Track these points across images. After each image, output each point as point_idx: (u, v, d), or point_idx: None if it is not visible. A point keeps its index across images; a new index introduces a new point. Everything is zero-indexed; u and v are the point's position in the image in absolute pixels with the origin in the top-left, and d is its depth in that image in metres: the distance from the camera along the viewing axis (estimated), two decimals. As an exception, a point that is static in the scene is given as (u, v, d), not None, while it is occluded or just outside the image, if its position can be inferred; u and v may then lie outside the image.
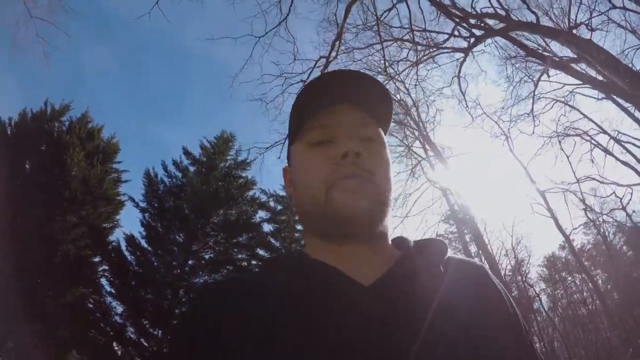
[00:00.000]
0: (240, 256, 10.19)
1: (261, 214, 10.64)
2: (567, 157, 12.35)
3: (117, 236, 12.91)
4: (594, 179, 12.61)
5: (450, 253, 0.56)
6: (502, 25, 7.44)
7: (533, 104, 9.75)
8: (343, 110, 0.57)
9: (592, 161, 12.11)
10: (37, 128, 10.89)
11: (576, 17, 7.52)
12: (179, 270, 9.66)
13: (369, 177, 0.53)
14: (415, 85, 9.65)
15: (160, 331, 9.09)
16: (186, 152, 10.50)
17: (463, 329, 0.46)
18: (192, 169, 10.37)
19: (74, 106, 11.27)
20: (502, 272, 18.12)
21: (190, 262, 9.81)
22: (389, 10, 7.91)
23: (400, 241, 0.59)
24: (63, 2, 7.58)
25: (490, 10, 7.48)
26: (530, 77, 9.78)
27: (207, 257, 10.03)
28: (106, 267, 10.00)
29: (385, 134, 0.62)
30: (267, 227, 10.62)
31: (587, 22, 7.26)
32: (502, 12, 7.42)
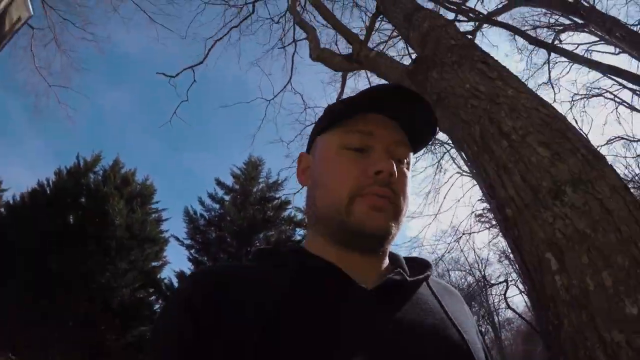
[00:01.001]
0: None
1: (300, 231, 10.78)
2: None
3: (167, 273, 13.33)
4: (623, 138, 12.22)
5: (433, 273, 0.60)
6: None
7: (550, 71, 9.55)
8: (389, 125, 0.57)
9: (618, 120, 11.68)
10: (74, 183, 11.38)
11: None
12: (230, 298, 9.93)
13: (394, 198, 0.54)
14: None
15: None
16: (219, 183, 10.77)
17: (457, 342, 0.50)
18: (227, 198, 10.63)
19: (104, 155, 11.72)
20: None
21: (239, 288, 10.06)
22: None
23: (391, 255, 0.61)
24: (75, 64, 7.98)
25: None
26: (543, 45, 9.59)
27: (254, 280, 10.25)
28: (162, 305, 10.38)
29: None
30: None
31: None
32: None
